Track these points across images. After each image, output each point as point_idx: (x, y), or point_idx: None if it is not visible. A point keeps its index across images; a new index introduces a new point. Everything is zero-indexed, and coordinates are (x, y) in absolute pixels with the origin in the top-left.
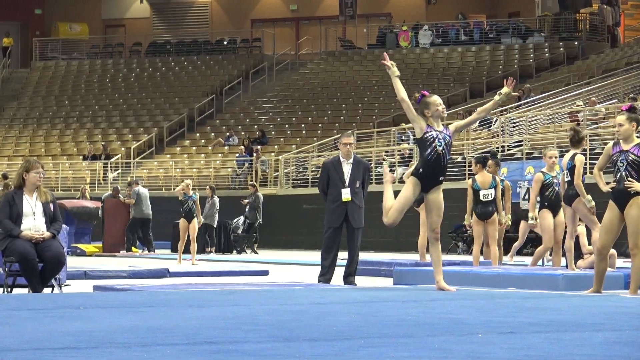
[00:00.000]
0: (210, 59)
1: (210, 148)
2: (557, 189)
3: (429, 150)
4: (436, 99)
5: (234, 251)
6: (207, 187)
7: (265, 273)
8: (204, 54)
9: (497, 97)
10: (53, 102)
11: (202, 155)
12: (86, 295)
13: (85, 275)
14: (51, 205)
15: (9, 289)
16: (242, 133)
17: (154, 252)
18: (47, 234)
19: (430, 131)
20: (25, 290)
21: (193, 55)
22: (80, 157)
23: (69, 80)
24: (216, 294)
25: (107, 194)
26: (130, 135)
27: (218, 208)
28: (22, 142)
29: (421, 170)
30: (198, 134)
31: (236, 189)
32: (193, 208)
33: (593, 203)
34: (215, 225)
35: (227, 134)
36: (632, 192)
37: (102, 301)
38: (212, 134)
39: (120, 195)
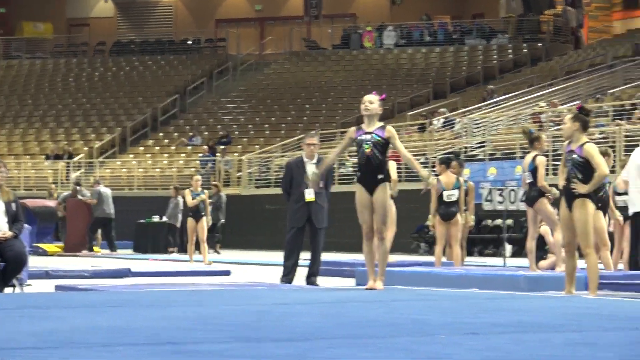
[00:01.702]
0: (175, 59)
1: (173, 148)
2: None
3: (359, 154)
4: (364, 98)
5: (197, 251)
6: (172, 187)
7: (227, 273)
8: (168, 54)
9: (424, 174)
10: (16, 101)
11: (166, 155)
12: (48, 295)
13: (47, 275)
14: (13, 205)
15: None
16: (206, 133)
17: (116, 252)
18: (8, 234)
19: (360, 135)
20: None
21: (157, 55)
22: (43, 157)
23: (33, 79)
24: (178, 294)
25: (66, 193)
26: (93, 135)
27: (181, 208)
28: None
29: (358, 174)
30: (161, 134)
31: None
32: (201, 206)
33: (558, 193)
34: (178, 225)
35: (191, 134)
36: (576, 194)
37: (64, 301)
38: (176, 134)
39: (78, 194)
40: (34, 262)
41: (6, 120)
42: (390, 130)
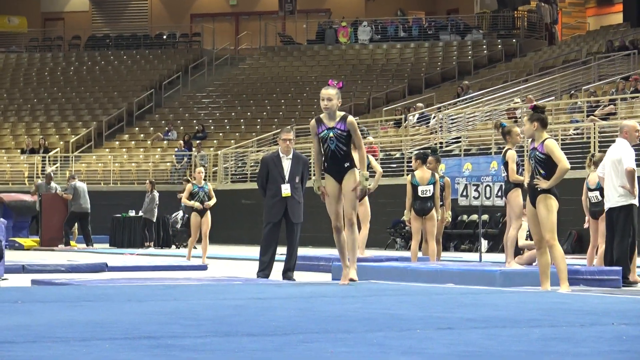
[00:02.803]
0: (150, 54)
1: (149, 142)
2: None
3: (324, 148)
4: (322, 92)
5: (173, 246)
6: (147, 181)
7: (204, 268)
8: (143, 48)
9: (360, 176)
10: None
11: (141, 149)
12: (24, 290)
13: (23, 269)
14: None
15: None
16: (181, 128)
17: (93, 246)
18: None
19: (322, 131)
20: None
21: (132, 49)
22: (19, 151)
23: (8, 73)
24: (155, 288)
25: (40, 182)
26: (69, 129)
27: (157, 203)
28: None
29: (325, 164)
30: (137, 129)
31: (175, 184)
32: (205, 200)
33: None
34: (154, 220)
35: (167, 128)
36: (539, 189)
37: (41, 295)
38: (151, 129)
39: (52, 187)
40: (10, 257)
41: None
42: (352, 122)
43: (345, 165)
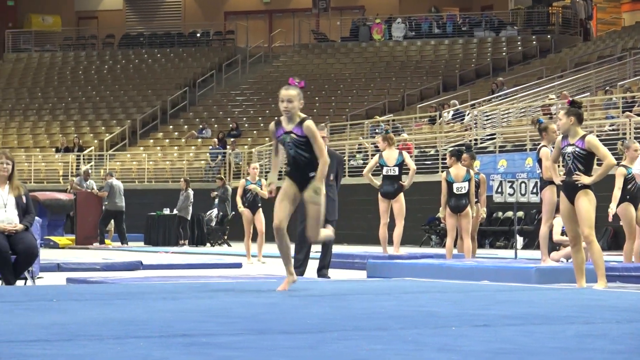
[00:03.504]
0: (184, 52)
1: (183, 141)
2: (639, 182)
3: (285, 152)
4: (281, 93)
5: (207, 244)
6: (182, 179)
7: (238, 266)
8: (177, 46)
9: (310, 193)
10: (26, 94)
11: (176, 147)
12: (59, 288)
13: (58, 267)
14: (24, 198)
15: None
16: (216, 126)
17: (127, 244)
18: (19, 226)
19: (280, 135)
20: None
21: (166, 47)
22: (53, 150)
23: (42, 72)
24: (189, 286)
25: (78, 178)
26: (103, 128)
27: (192, 201)
28: None
29: (288, 169)
30: (171, 127)
31: (209, 182)
32: (258, 197)
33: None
34: (188, 218)
35: (201, 126)
36: (579, 185)
37: (76, 293)
38: (185, 127)
39: (87, 185)
40: (45, 255)
41: (16, 114)
42: (309, 126)
43: (310, 175)
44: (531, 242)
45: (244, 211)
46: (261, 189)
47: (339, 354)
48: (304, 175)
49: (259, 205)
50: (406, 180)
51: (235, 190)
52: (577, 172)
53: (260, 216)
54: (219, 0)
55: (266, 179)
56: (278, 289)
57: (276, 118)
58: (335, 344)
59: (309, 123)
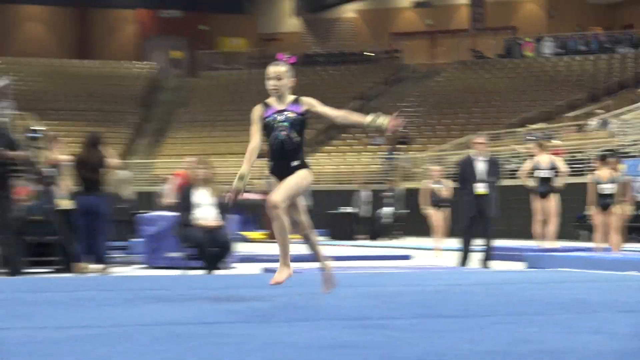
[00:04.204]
0: (356, 69)
1: (359, 148)
2: None
3: (271, 138)
4: (269, 70)
5: (382, 238)
6: (359, 181)
7: (407, 257)
8: (350, 64)
9: (369, 119)
10: (217, 107)
11: (353, 154)
12: (253, 277)
13: (252, 259)
14: (222, 199)
15: (186, 271)
16: (388, 134)
17: None
18: (216, 223)
19: (270, 115)
20: (199, 272)
21: (340, 65)
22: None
23: (230, 88)
24: (362, 275)
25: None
26: None
27: (370, 200)
28: (189, 143)
29: (271, 163)
30: (345, 135)
31: (382, 183)
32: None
33: None
34: (366, 215)
35: (374, 135)
36: None
37: (267, 282)
38: (360, 135)
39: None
40: (241, 248)
41: (209, 125)
42: (308, 100)
43: (292, 165)
44: None
45: (430, 210)
46: (441, 189)
47: (499, 335)
48: (287, 166)
49: (447, 204)
50: (558, 182)
51: (411, 190)
52: None
53: (447, 214)
54: (386, 22)
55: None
56: (270, 282)
57: (262, 101)
58: (492, 327)
59: (308, 98)
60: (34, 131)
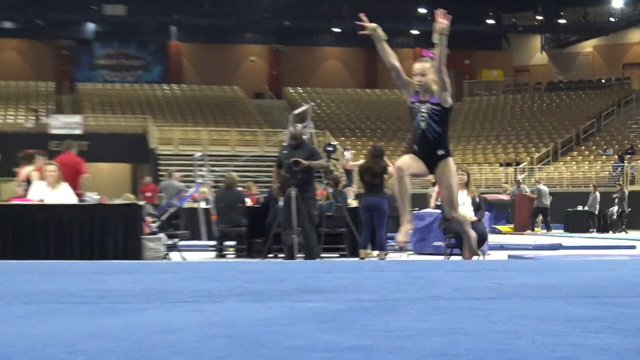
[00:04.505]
0: (592, 93)
1: (592, 157)
2: None
3: (414, 124)
4: (415, 67)
5: (610, 232)
6: (591, 185)
7: (632, 247)
8: (587, 90)
9: (435, 39)
10: (478, 125)
11: (586, 162)
12: (502, 262)
13: (501, 247)
14: (477, 199)
15: (448, 257)
16: (616, 146)
17: (551, 232)
18: (474, 218)
19: (415, 101)
20: (458, 258)
21: (579, 90)
22: (497, 164)
23: (490, 110)
24: (593, 262)
25: (513, 188)
26: (533, 148)
27: (599, 200)
28: (455, 154)
29: (414, 147)
30: (583, 147)
31: (612, 187)
32: None
33: None
34: (596, 213)
35: (605, 147)
36: None
37: (513, 266)
38: (594, 147)
39: (520, 189)
40: (492, 239)
41: (471, 139)
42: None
43: (438, 153)
44: None
45: None
46: None
47: None
48: (431, 153)
49: None
50: None
51: (634, 192)
52: None
53: None
54: (619, 55)
55: None
56: (398, 239)
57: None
58: None
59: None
60: (331, 145)
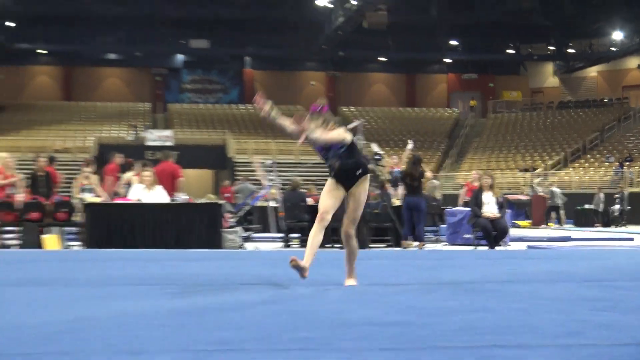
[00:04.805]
0: (596, 111)
1: (597, 164)
2: None
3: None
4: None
5: (612, 226)
6: (597, 188)
7: (631, 239)
8: (592, 108)
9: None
10: (501, 138)
11: (592, 168)
12: (521, 252)
13: (520, 239)
14: (500, 199)
15: (476, 247)
16: (617, 154)
17: (562, 225)
18: (497, 215)
19: (320, 152)
20: (485, 248)
21: (585, 108)
22: (516, 170)
23: (510, 125)
24: (598, 251)
25: (530, 190)
26: (547, 156)
27: (603, 200)
28: (479, 162)
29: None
30: (589, 156)
31: (614, 189)
32: None
33: None
34: (600, 210)
35: (607, 155)
36: None
37: (530, 255)
38: (598, 156)
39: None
40: (513, 232)
41: (495, 150)
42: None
43: (357, 173)
44: None
45: None
46: None
47: None
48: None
49: None
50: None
51: (633, 194)
52: None
53: None
54: (620, 78)
55: None
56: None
57: None
58: None
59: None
60: (378, 154)
